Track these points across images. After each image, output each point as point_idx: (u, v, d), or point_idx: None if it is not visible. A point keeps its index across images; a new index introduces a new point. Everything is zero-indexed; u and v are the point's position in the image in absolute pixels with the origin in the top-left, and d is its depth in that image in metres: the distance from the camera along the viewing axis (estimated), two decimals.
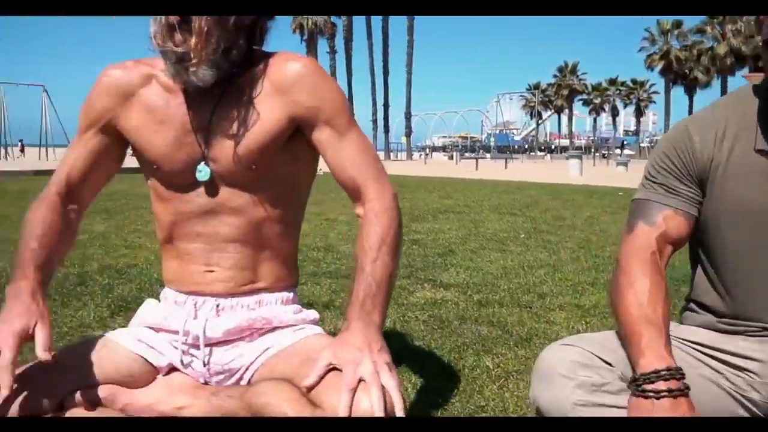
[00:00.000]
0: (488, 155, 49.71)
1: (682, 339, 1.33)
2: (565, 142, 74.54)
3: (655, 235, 1.31)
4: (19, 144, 34.64)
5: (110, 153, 1.42)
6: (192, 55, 1.21)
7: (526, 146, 70.93)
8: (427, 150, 56.19)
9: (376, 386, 1.09)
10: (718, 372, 1.29)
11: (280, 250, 1.44)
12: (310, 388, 1.14)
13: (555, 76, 72.42)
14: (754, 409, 1.27)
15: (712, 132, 1.31)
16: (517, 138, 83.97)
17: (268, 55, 1.35)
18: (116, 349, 1.35)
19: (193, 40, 1.21)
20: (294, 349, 1.32)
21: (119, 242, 4.95)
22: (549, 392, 1.19)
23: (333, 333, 1.49)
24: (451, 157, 42.85)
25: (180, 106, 1.33)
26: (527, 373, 2.21)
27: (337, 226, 6.14)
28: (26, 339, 1.14)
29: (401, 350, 2.46)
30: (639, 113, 70.87)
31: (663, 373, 1.13)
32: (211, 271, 1.38)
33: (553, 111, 76.45)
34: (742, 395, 1.27)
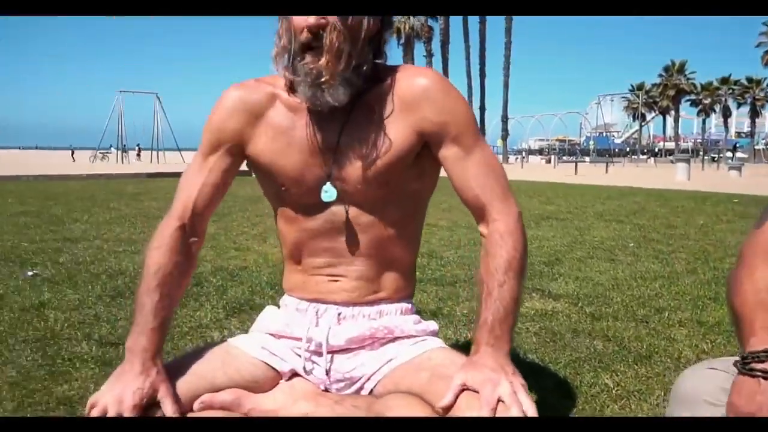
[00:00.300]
0: (587, 159, 48.22)
1: None
2: (670, 144, 71.10)
3: None
4: (137, 148, 36.65)
5: (232, 174, 1.42)
6: (324, 74, 1.20)
7: (628, 149, 68.23)
8: (524, 153, 55.16)
9: (516, 406, 1.07)
10: None
11: (402, 261, 1.43)
12: (447, 409, 1.12)
13: (660, 75, 69.14)
14: None
15: None
16: (617, 141, 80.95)
17: (393, 70, 1.33)
18: (239, 355, 1.38)
19: (325, 59, 1.19)
20: (419, 363, 1.30)
21: (229, 244, 5.14)
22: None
23: (448, 343, 1.46)
24: (549, 161, 41.89)
25: (307, 127, 1.32)
26: (649, 394, 2.11)
27: (438, 231, 6.11)
28: (146, 399, 1.17)
29: (515, 362, 2.39)
30: (754, 113, 66.51)
31: None
32: (335, 281, 1.39)
33: (657, 112, 73.07)
34: None
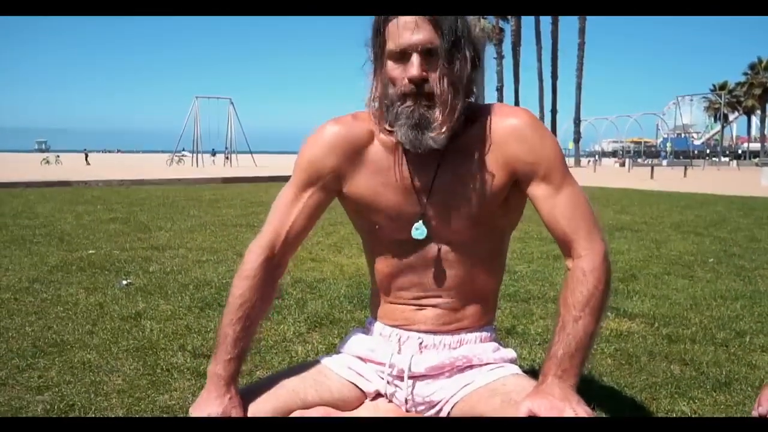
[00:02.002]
0: (664, 162, 46.57)
1: None
2: (755, 145, 67.77)
3: None
4: (226, 151, 37.32)
5: (324, 209, 1.47)
6: (436, 126, 1.25)
7: (708, 151, 65.48)
8: (597, 156, 53.76)
9: None
10: None
11: (486, 291, 1.51)
12: None
13: (745, 74, 66.05)
14: None
15: None
16: (697, 142, 77.78)
17: (486, 109, 1.38)
18: (330, 375, 1.47)
19: (438, 111, 1.25)
20: (494, 389, 1.37)
21: (305, 255, 5.32)
22: None
23: (522, 364, 1.53)
24: (623, 164, 40.67)
25: (403, 166, 1.37)
26: None
27: (511, 243, 6.11)
28: None
29: (589, 385, 2.44)
30: None
31: None
32: (419, 310, 1.47)
33: (741, 112, 69.79)
34: None
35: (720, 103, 65.52)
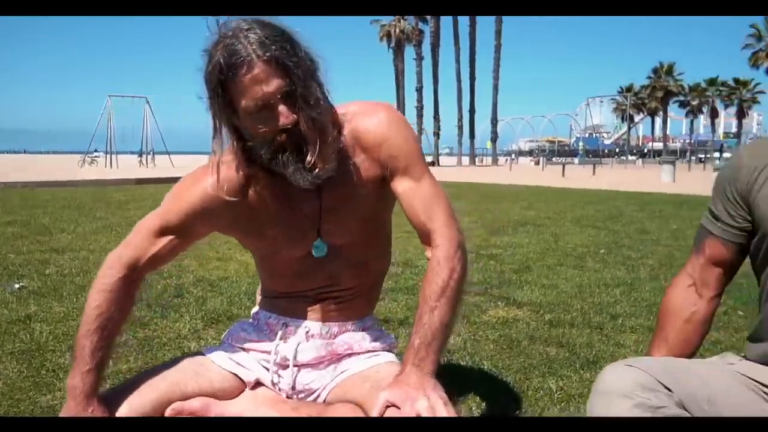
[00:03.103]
0: (576, 160, 48.50)
1: (745, 375, 1.40)
2: (659, 145, 71.62)
3: (700, 262, 1.48)
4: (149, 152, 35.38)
5: (195, 240, 1.47)
6: (319, 166, 1.26)
7: (617, 150, 68.68)
8: (513, 155, 55.40)
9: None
10: None
11: (375, 283, 1.60)
12: None
13: (649, 77, 69.61)
14: None
15: (764, 157, 1.38)
16: (607, 142, 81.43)
17: (346, 111, 1.40)
18: (211, 366, 1.51)
19: (311, 156, 1.24)
20: (367, 375, 1.45)
21: (212, 254, 5.29)
22: (607, 409, 1.28)
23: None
24: (537, 162, 42.10)
25: (288, 196, 1.38)
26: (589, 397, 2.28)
27: (416, 239, 6.22)
28: None
29: (470, 370, 2.58)
30: (741, 114, 67.07)
31: None
32: (309, 302, 1.53)
33: (646, 114, 73.56)
34: None
35: (626, 105, 68.86)
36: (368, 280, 1.56)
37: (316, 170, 1.27)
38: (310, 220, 1.42)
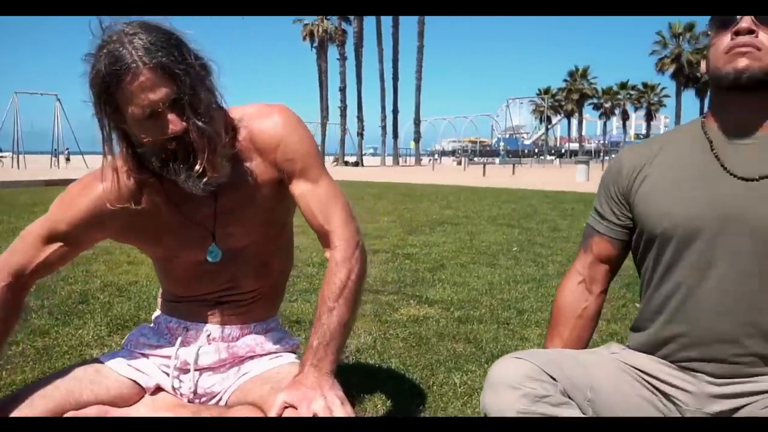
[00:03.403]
0: (497, 160, 49.74)
1: (625, 362, 1.49)
2: (575, 145, 74.46)
3: (588, 260, 1.58)
4: (66, 152, 33.78)
5: (84, 248, 1.46)
6: (209, 173, 1.25)
7: (536, 150, 70.94)
8: (436, 155, 56.32)
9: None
10: (655, 395, 1.43)
11: (276, 284, 1.60)
12: None
13: (565, 80, 72.28)
14: None
15: (643, 158, 1.48)
16: (527, 142, 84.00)
17: (242, 114, 1.40)
18: (109, 374, 1.48)
19: (200, 163, 1.23)
20: (267, 377, 1.45)
21: (123, 258, 5.13)
22: (497, 400, 1.34)
23: None
24: (460, 163, 42.92)
25: (181, 201, 1.37)
26: None
27: None
28: None
29: (378, 369, 2.61)
30: (649, 117, 70.53)
31: None
32: (210, 306, 1.52)
33: (563, 115, 76.32)
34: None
35: (545, 107, 71.24)
36: (270, 282, 1.56)
37: (206, 178, 1.26)
38: (204, 225, 1.41)
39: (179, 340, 1.50)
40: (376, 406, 2.21)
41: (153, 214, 1.38)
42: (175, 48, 1.21)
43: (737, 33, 1.33)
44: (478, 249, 5.80)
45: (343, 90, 45.93)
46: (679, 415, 1.40)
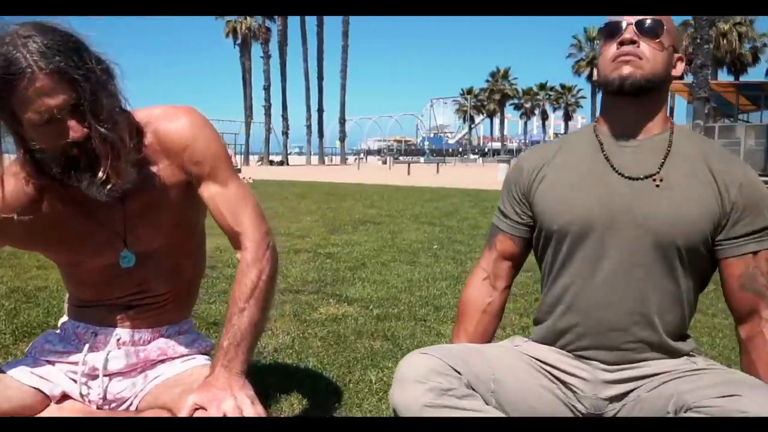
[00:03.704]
0: (422, 159, 50.36)
1: (527, 354, 1.56)
2: (498, 144, 76.31)
3: (493, 257, 1.66)
4: None
5: None
6: (112, 180, 1.22)
7: (460, 149, 72.31)
8: (362, 154, 56.51)
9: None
10: (554, 384, 1.52)
11: (189, 286, 1.58)
12: None
13: (487, 81, 74.05)
14: (582, 416, 1.50)
15: (541, 159, 1.57)
16: (451, 141, 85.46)
17: (148, 116, 1.38)
18: (10, 383, 1.43)
19: (103, 171, 1.20)
20: (179, 379, 1.44)
21: (32, 262, 4.91)
22: (404, 394, 1.38)
23: None
24: (385, 162, 43.22)
25: (87, 206, 1.34)
26: None
27: None
28: None
29: (295, 368, 2.63)
30: (567, 117, 73.18)
31: None
32: (120, 310, 1.49)
33: (485, 115, 78.09)
34: (572, 405, 1.50)
35: (468, 106, 72.72)
36: (182, 285, 1.55)
37: (111, 184, 1.23)
38: (114, 229, 1.39)
39: (87, 345, 1.47)
40: (292, 405, 2.22)
41: (57, 220, 1.35)
42: (74, 52, 1.17)
43: (622, 43, 1.43)
44: (400, 247, 5.88)
45: (267, 88, 45.35)
46: (576, 401, 1.49)
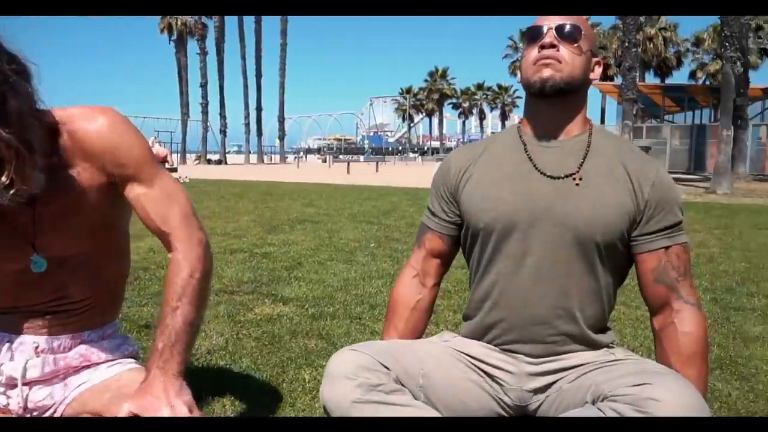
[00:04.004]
0: (362, 158, 50.46)
1: (456, 349, 1.59)
2: (437, 143, 77.15)
3: (422, 255, 1.69)
4: None
5: None
6: (17, 185, 1.15)
7: (400, 148, 72.77)
8: (301, 153, 56.17)
9: None
10: (482, 377, 1.55)
11: (112, 290, 1.53)
12: None
13: (426, 80, 74.81)
14: (509, 409, 1.55)
15: (468, 159, 1.60)
16: (391, 140, 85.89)
17: (64, 116, 1.32)
18: None
19: (6, 176, 1.13)
20: (107, 385, 1.40)
21: None
22: (333, 391, 1.40)
23: None
24: (325, 160, 43.08)
25: None
26: None
27: None
28: None
29: (229, 370, 2.60)
30: (504, 117, 74.66)
31: None
32: (37, 316, 1.43)
33: (424, 114, 78.88)
34: (499, 397, 1.54)
35: (407, 105, 73.29)
36: (104, 289, 1.49)
37: (15, 189, 1.16)
38: (23, 233, 1.34)
39: (2, 354, 1.42)
40: (225, 407, 2.20)
41: None
42: None
43: (542, 47, 1.48)
44: (337, 246, 5.88)
45: (204, 86, 44.47)
46: (503, 394, 1.54)
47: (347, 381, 1.39)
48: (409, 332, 1.70)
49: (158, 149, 14.96)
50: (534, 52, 1.50)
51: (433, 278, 1.71)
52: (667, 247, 1.48)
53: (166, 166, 15.29)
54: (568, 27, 1.48)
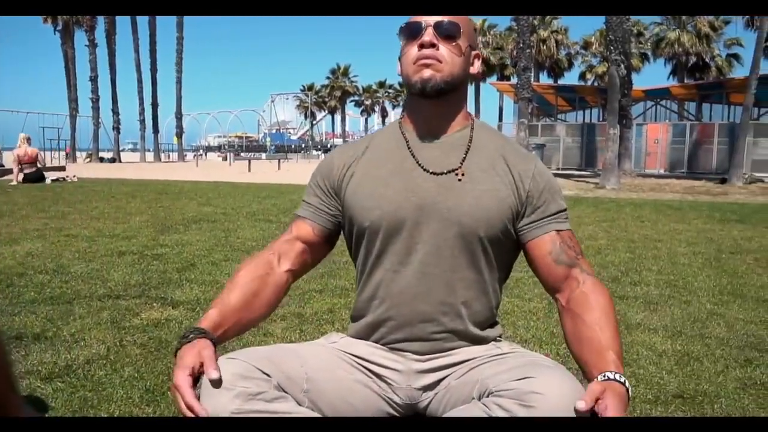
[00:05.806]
0: (264, 155, 49.70)
1: (342, 350, 1.54)
2: (340, 141, 77.22)
3: (285, 238, 1.59)
4: None
5: None
6: None
7: (303, 145, 72.23)
8: (201, 151, 54.59)
9: None
10: (369, 377, 1.50)
11: None
12: None
13: (328, 77, 74.55)
14: (399, 408, 1.51)
15: (351, 157, 1.55)
16: (293, 137, 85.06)
17: None
18: None
19: None
20: None
21: None
22: (211, 402, 1.30)
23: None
24: (225, 158, 42.09)
25: None
26: None
27: (77, 242, 5.74)
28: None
29: (109, 379, 2.43)
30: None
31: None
32: None
33: (327, 111, 78.67)
34: (387, 397, 1.50)
35: (309, 103, 72.82)
36: None
37: None
38: None
39: None
40: (99, 417, 2.05)
41: None
42: None
43: (422, 46, 1.45)
44: (233, 246, 5.71)
45: (94, 80, 42.15)
46: (392, 393, 1.50)
47: (224, 391, 1.31)
48: (241, 302, 1.49)
49: (27, 149, 13.97)
50: (414, 51, 1.47)
51: (289, 262, 1.56)
52: (558, 230, 1.49)
53: (38, 165, 14.29)
54: (447, 25, 1.46)
